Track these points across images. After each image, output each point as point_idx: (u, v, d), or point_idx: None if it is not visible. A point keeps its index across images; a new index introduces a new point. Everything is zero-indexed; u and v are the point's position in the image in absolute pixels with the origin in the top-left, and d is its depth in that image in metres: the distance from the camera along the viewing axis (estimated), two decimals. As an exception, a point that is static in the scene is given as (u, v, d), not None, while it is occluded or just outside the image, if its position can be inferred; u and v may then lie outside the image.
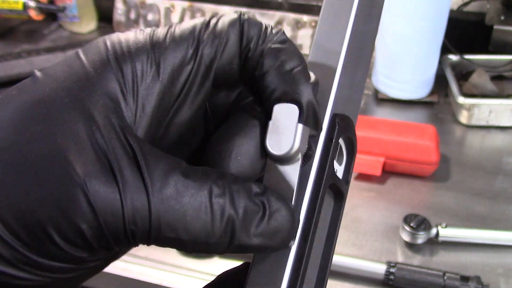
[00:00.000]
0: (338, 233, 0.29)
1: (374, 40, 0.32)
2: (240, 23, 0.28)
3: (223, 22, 0.28)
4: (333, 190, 0.28)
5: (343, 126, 0.28)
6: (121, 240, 0.24)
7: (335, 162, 0.28)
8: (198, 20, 0.28)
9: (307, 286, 0.27)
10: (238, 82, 0.29)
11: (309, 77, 0.27)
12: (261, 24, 0.28)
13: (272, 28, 0.28)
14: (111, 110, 0.25)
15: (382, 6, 0.32)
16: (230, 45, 0.27)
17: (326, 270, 0.28)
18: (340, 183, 0.28)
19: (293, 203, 0.26)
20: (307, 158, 0.27)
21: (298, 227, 0.26)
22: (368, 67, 0.31)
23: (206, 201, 0.24)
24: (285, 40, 0.28)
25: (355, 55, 0.30)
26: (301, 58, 0.28)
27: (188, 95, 0.27)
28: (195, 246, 0.25)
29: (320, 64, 0.29)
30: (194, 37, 0.27)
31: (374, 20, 0.32)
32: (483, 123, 0.96)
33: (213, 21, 0.28)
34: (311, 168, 0.27)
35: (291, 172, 0.27)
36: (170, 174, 0.24)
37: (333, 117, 0.28)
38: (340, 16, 0.30)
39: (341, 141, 0.28)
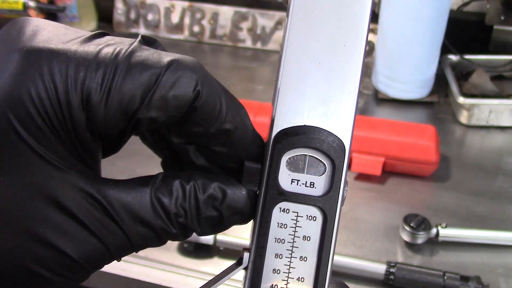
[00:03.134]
0: (331, 250, 0.30)
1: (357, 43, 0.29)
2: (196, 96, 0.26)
3: (181, 87, 0.26)
4: (317, 208, 0.30)
5: (286, 142, 0.29)
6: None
7: (313, 176, 0.29)
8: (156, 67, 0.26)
9: None
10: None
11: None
12: (215, 105, 0.27)
13: (220, 112, 0.28)
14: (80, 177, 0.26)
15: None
16: (173, 118, 0.27)
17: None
18: (309, 199, 0.29)
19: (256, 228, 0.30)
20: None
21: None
22: (358, 66, 0.29)
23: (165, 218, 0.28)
24: (230, 128, 0.28)
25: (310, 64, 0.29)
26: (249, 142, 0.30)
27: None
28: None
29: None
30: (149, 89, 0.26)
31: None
32: (483, 123, 0.96)
33: (175, 72, 0.26)
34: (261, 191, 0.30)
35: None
36: (143, 218, 0.27)
37: (275, 136, 0.29)
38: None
39: (310, 152, 0.29)
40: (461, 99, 0.95)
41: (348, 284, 0.70)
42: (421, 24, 0.94)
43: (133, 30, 1.31)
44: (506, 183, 0.83)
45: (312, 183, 0.29)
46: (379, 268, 0.66)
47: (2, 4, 1.18)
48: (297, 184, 0.29)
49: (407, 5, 0.93)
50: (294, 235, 0.29)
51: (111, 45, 0.26)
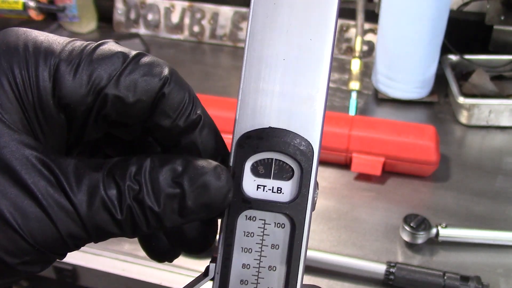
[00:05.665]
0: (301, 258, 0.28)
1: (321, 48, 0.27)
2: (162, 87, 0.27)
3: (150, 72, 0.27)
4: (285, 215, 0.28)
5: (249, 146, 0.27)
6: (66, 251, 0.26)
7: (280, 181, 0.28)
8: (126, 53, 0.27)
9: None
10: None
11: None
12: (183, 94, 0.27)
13: (189, 102, 0.28)
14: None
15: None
16: (142, 104, 0.27)
17: None
18: (276, 206, 0.27)
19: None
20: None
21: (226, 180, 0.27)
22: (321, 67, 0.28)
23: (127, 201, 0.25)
24: (198, 122, 0.28)
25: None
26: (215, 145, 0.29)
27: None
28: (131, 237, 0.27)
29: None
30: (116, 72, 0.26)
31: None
32: (483, 123, 0.96)
33: (144, 61, 0.27)
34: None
35: None
36: (94, 190, 0.25)
37: (238, 139, 0.27)
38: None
39: (276, 155, 0.27)
40: (461, 99, 0.95)
41: (348, 284, 0.70)
42: (421, 24, 0.94)
43: (133, 30, 1.31)
44: (506, 183, 0.83)
45: (279, 189, 0.28)
46: (379, 268, 0.66)
47: (2, 4, 1.18)
48: (263, 190, 0.28)
49: (407, 5, 0.93)
50: (261, 244, 0.28)
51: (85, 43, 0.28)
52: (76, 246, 0.26)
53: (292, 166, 0.27)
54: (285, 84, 0.27)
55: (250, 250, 0.28)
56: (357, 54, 0.98)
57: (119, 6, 1.31)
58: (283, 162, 0.27)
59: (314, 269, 0.67)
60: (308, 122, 0.27)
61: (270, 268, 0.28)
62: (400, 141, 0.82)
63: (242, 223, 0.28)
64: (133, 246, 0.71)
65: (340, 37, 1.19)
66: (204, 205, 0.26)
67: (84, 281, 0.72)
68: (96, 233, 0.25)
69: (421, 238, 0.70)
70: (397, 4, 0.94)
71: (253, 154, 0.27)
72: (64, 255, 0.26)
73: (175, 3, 1.28)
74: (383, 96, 1.03)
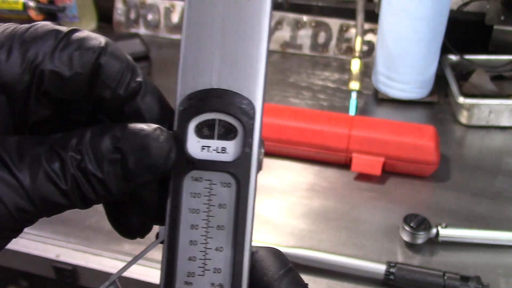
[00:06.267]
0: (247, 217, 0.28)
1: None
2: (98, 56, 0.27)
3: (84, 45, 0.27)
4: (230, 174, 0.28)
5: (191, 107, 0.28)
6: (19, 227, 0.26)
7: (224, 141, 0.28)
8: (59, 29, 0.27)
9: (220, 278, 0.28)
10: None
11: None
12: (121, 64, 0.28)
13: (128, 71, 0.28)
14: None
15: None
16: (80, 76, 0.27)
17: (241, 262, 0.28)
18: (220, 165, 0.28)
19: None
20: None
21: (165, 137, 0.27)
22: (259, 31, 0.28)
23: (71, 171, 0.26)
24: (139, 89, 0.28)
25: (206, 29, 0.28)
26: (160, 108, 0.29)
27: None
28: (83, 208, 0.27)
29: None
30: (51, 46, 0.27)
31: None
32: (483, 123, 0.96)
33: (77, 35, 0.27)
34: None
35: None
36: (37, 163, 0.25)
37: (180, 102, 0.28)
38: None
39: (218, 116, 0.28)
40: (461, 99, 0.95)
41: (348, 284, 0.70)
42: (421, 24, 0.94)
43: (133, 30, 1.31)
44: (506, 183, 0.83)
45: (223, 149, 0.28)
46: (379, 268, 0.66)
47: (2, 4, 1.18)
48: (208, 151, 0.28)
49: (407, 5, 0.93)
50: (209, 204, 0.28)
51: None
52: (27, 220, 0.26)
53: (235, 125, 0.28)
54: (225, 45, 0.28)
55: (197, 211, 0.28)
56: (357, 54, 0.98)
57: (119, 6, 1.31)
58: (226, 122, 0.28)
59: (314, 269, 0.67)
60: (249, 81, 0.28)
61: (218, 228, 0.28)
62: (400, 141, 0.82)
63: (189, 184, 0.28)
64: (133, 246, 0.71)
65: (340, 37, 1.19)
66: (147, 167, 0.26)
67: (84, 281, 0.72)
68: (43, 205, 0.26)
69: (421, 238, 0.70)
70: (397, 4, 0.94)
71: (196, 116, 0.28)
72: (19, 231, 0.27)
73: (175, 3, 1.28)
74: (383, 96, 1.03)
